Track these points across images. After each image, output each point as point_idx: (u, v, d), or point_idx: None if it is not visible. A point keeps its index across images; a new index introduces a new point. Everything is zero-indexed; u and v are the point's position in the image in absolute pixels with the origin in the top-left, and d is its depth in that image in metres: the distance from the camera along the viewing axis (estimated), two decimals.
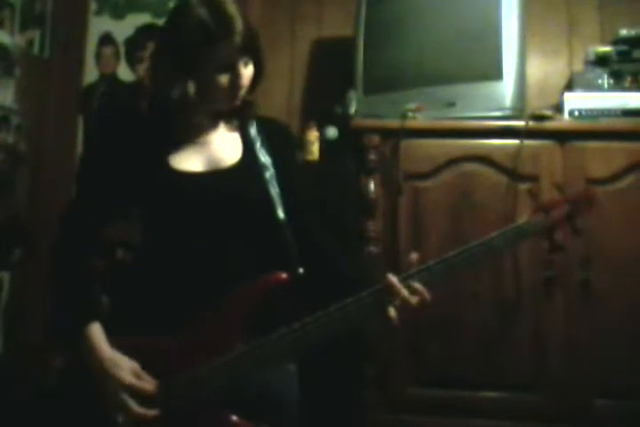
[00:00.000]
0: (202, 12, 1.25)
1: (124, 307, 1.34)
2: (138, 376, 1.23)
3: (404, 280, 1.26)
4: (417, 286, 1.26)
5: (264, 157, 1.38)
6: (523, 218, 1.39)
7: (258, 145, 1.40)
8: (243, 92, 1.33)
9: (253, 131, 1.42)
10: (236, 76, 1.28)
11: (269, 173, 1.37)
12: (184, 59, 1.27)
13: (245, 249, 1.32)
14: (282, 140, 1.45)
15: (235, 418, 1.24)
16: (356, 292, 1.26)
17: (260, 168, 1.37)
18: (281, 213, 1.35)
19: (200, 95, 1.30)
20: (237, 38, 1.25)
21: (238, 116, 1.40)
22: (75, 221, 1.37)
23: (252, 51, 1.31)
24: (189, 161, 1.34)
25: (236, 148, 1.39)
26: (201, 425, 1.24)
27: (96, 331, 1.27)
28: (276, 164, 1.39)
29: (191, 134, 1.36)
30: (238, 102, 1.34)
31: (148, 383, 1.23)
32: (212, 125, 1.39)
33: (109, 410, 1.23)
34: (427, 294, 1.26)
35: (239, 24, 1.26)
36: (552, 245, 1.38)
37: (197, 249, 1.30)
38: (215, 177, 1.33)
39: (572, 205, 1.39)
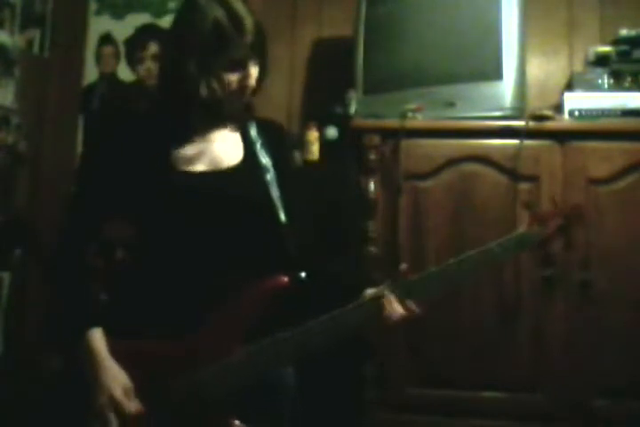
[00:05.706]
0: (214, 11, 1.26)
1: (124, 309, 1.33)
2: (127, 395, 1.22)
3: (398, 289, 1.28)
4: (409, 303, 1.29)
5: (264, 159, 1.38)
6: (520, 229, 1.38)
7: (258, 146, 1.40)
8: (249, 92, 1.33)
9: (254, 132, 1.42)
10: (246, 75, 1.29)
11: (270, 175, 1.37)
12: (198, 58, 1.27)
13: (247, 251, 1.31)
14: (279, 143, 1.45)
15: (237, 423, 1.23)
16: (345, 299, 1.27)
17: (261, 170, 1.37)
18: (282, 216, 1.35)
19: (208, 94, 1.29)
20: (249, 36, 1.27)
21: (240, 118, 1.40)
22: (77, 223, 1.36)
23: (261, 51, 1.32)
24: (191, 161, 1.33)
25: (238, 148, 1.39)
26: None
27: (97, 336, 1.26)
28: (275, 165, 1.39)
29: (193, 135, 1.36)
30: (244, 102, 1.34)
31: (132, 405, 1.21)
32: (214, 126, 1.39)
33: (92, 416, 1.22)
34: (416, 310, 1.30)
35: (250, 23, 1.28)
36: (545, 258, 1.39)
37: (198, 250, 1.29)
38: (217, 177, 1.33)
39: (564, 219, 1.39)
